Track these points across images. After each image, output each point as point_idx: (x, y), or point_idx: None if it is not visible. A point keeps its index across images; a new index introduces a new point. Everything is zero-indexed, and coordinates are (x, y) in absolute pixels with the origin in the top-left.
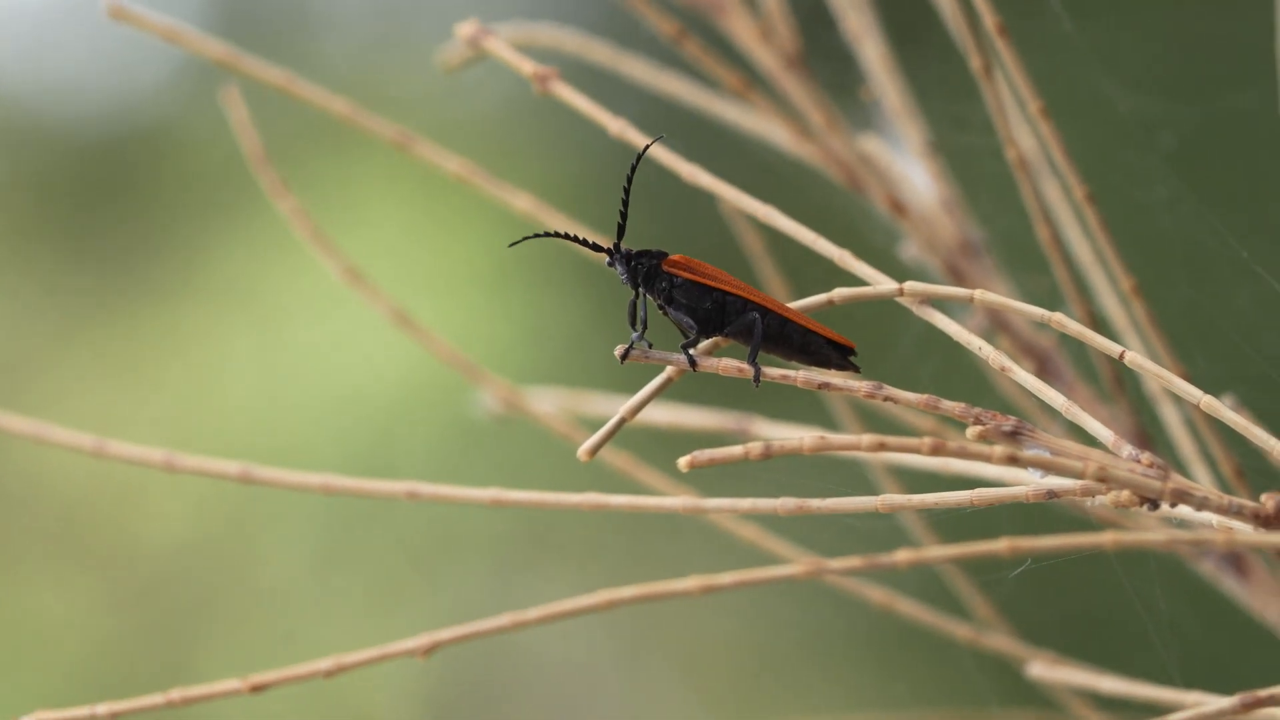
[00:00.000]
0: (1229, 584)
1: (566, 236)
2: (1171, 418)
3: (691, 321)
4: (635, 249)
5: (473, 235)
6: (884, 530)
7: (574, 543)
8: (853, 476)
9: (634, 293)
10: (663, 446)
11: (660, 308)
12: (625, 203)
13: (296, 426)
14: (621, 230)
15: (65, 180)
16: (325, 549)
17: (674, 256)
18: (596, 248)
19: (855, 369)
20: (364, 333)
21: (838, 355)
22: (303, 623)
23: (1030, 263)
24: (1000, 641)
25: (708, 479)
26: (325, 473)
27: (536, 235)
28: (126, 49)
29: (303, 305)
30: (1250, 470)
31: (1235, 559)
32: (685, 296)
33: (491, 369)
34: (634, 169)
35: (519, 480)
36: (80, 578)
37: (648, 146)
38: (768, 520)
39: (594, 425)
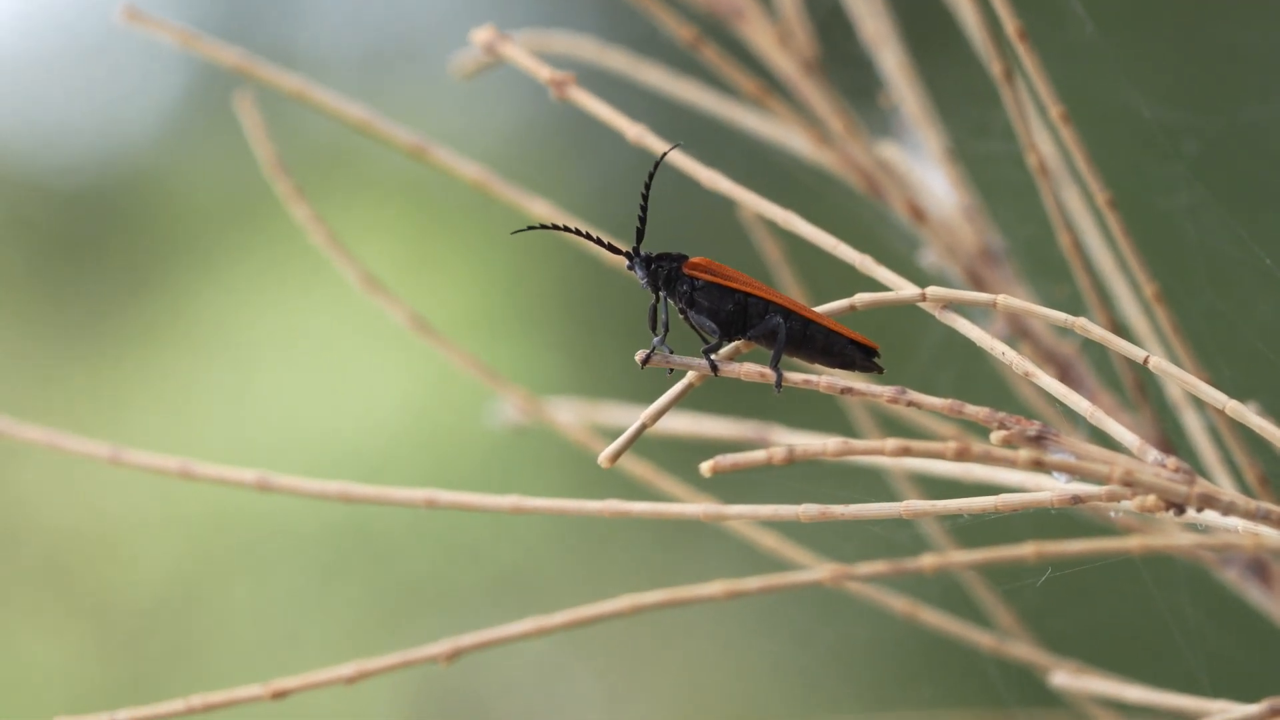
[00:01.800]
0: (1253, 592)
1: (580, 233)
2: (1194, 425)
3: (713, 325)
4: (655, 252)
5: (475, 270)
6: (906, 540)
7: (583, 567)
8: (874, 486)
9: (654, 297)
10: (682, 457)
11: (681, 312)
12: (644, 207)
13: (286, 470)
14: (641, 234)
15: (51, 225)
16: (314, 592)
17: (695, 259)
18: (615, 250)
19: (880, 370)
20: (354, 375)
21: (862, 356)
22: (294, 666)
23: (1051, 270)
24: (1024, 650)
25: (726, 489)
26: (342, 482)
27: (546, 226)
28: (114, 95)
29: (287, 349)
30: (1275, 477)
31: (1259, 567)
32: (706, 299)
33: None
34: (653, 174)
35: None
36: (68, 625)
37: (666, 153)
38: (789, 529)
39: (612, 435)
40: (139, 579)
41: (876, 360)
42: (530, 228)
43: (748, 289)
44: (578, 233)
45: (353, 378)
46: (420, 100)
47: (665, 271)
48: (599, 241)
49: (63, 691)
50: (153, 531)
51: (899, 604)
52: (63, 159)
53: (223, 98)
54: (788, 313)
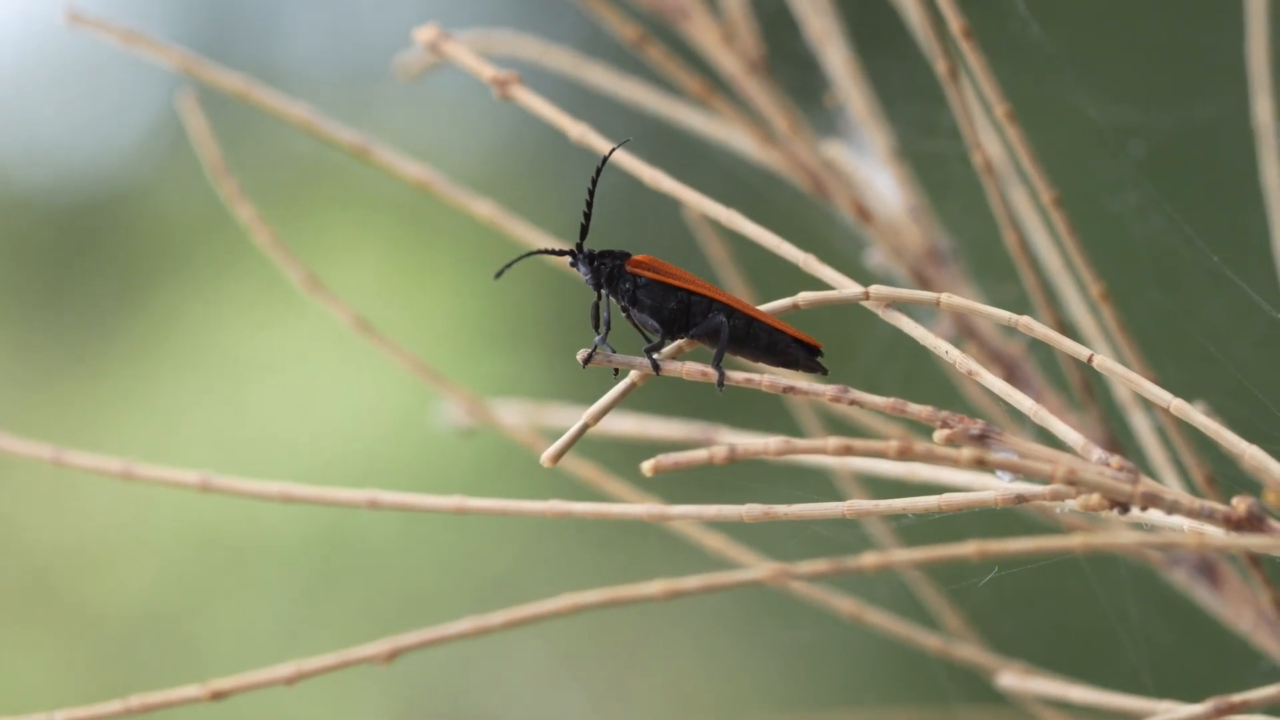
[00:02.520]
0: (1201, 593)
1: (541, 253)
2: (1141, 425)
3: (656, 324)
4: (598, 249)
5: (439, 282)
6: (852, 540)
7: (545, 583)
8: (820, 488)
9: (596, 295)
10: (628, 458)
11: (623, 310)
12: (589, 204)
13: (280, 477)
14: (584, 231)
15: (39, 242)
16: (304, 603)
17: (638, 257)
18: (560, 252)
19: (823, 370)
20: (343, 384)
21: (805, 355)
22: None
23: (998, 270)
24: (970, 651)
25: (673, 490)
26: (282, 483)
27: (510, 265)
28: (101, 111)
29: (269, 366)
30: (1221, 477)
31: (1208, 567)
32: (649, 297)
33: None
34: (598, 172)
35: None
36: (54, 640)
37: (613, 150)
38: (735, 531)
39: (559, 436)
40: (126, 593)
41: (820, 360)
42: (504, 269)
43: (691, 287)
44: (537, 253)
45: (342, 386)
46: (413, 110)
47: (608, 269)
48: (546, 251)
49: (49, 706)
50: (140, 545)
51: (846, 605)
52: (50, 175)
53: (209, 113)
54: (731, 311)
